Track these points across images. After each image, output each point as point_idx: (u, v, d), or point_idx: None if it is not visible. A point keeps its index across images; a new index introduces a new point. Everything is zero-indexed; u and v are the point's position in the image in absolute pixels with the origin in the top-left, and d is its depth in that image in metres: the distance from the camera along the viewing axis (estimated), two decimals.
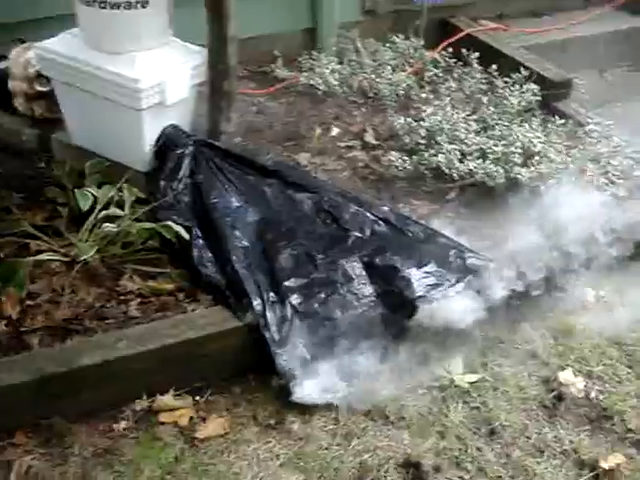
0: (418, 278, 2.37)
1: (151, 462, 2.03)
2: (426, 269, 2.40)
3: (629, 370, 2.40)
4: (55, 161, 2.86)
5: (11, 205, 2.64)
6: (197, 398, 2.21)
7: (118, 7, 2.52)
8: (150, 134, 2.67)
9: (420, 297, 2.33)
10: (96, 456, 2.03)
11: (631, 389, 2.33)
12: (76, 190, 2.55)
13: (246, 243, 2.46)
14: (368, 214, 2.59)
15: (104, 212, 2.51)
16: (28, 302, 2.32)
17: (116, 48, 2.57)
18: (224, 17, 2.59)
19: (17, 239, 2.49)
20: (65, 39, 2.67)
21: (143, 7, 2.54)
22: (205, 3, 2.59)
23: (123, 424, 2.12)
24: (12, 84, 2.90)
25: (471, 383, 2.30)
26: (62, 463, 2.01)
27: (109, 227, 2.46)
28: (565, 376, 2.33)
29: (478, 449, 2.12)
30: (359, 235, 2.53)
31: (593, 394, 2.29)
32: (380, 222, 2.58)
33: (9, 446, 2.04)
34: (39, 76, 2.82)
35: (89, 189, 2.55)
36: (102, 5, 2.52)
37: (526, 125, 3.04)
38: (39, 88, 2.87)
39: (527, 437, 2.17)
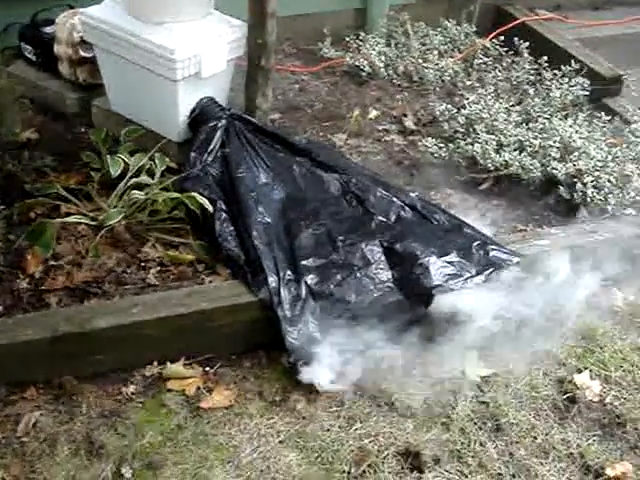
0: (437, 267, 2.33)
1: (154, 428, 2.06)
2: (447, 258, 2.36)
3: None
4: (94, 127, 2.92)
5: (47, 167, 2.70)
6: (207, 369, 2.23)
7: None
8: (185, 105, 2.69)
9: (437, 286, 2.30)
10: (102, 417, 2.07)
11: None
12: (108, 156, 2.59)
13: (268, 219, 2.46)
14: (395, 199, 2.57)
15: (134, 179, 2.54)
16: (51, 262, 2.37)
17: (155, 18, 2.59)
18: None
19: (49, 200, 2.54)
20: (108, 6, 2.71)
21: None
22: None
23: (132, 388, 2.16)
24: (57, 48, 2.95)
25: (483, 377, 2.26)
26: (68, 421, 2.05)
27: (137, 194, 2.49)
28: (581, 379, 2.27)
29: (481, 444, 2.09)
30: (383, 220, 2.51)
31: (608, 399, 2.23)
32: (406, 208, 2.55)
33: (20, 400, 2.09)
34: (83, 42, 2.86)
35: (121, 156, 2.59)
36: None
37: (569, 119, 2.96)
38: (83, 54, 2.92)
39: (533, 437, 2.12)
